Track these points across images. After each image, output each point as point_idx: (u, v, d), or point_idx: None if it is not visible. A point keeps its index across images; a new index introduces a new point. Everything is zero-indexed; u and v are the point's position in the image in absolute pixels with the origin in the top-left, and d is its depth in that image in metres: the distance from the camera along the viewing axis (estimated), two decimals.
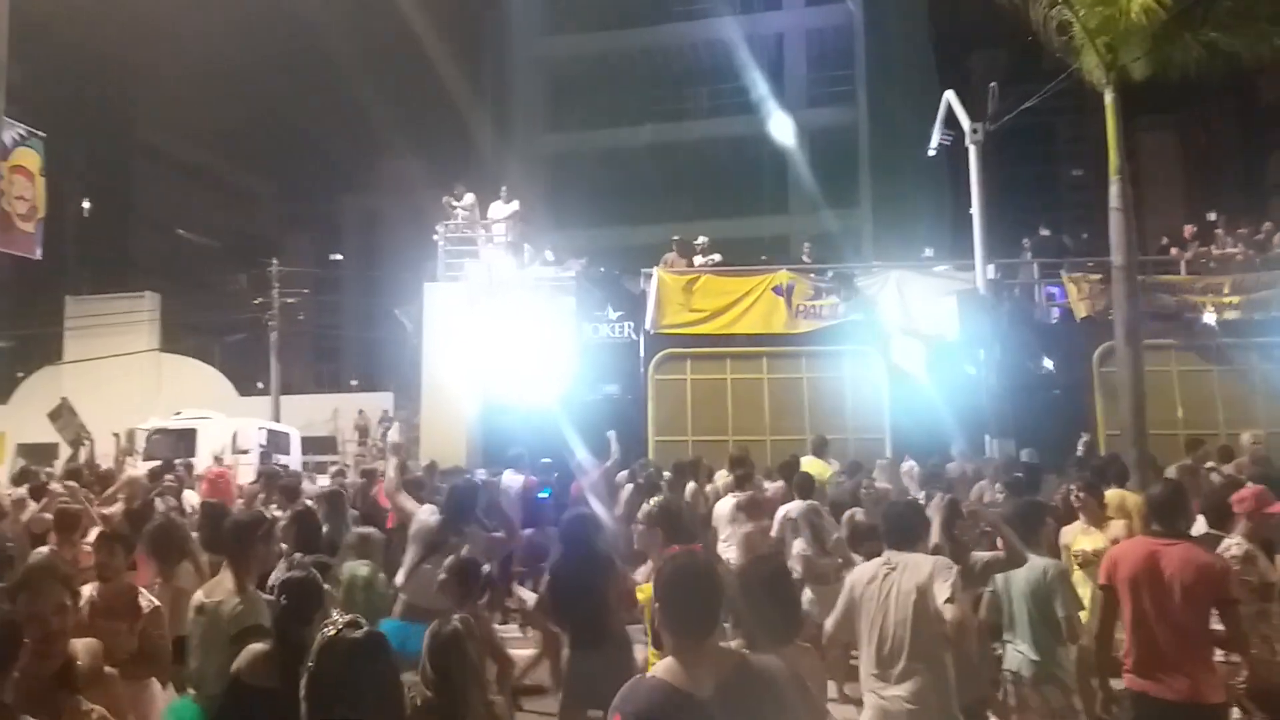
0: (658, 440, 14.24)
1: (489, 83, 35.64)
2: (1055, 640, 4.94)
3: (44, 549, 6.33)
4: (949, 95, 14.57)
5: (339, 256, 35.14)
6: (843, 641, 4.36)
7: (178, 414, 21.55)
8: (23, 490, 10.01)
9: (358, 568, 5.11)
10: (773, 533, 8.50)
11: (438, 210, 17.44)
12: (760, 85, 32.31)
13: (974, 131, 14.17)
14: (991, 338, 13.36)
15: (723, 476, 10.07)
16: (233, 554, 4.63)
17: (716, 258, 16.40)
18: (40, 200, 13.26)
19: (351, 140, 38.63)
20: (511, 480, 10.41)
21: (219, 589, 4.48)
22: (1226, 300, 14.40)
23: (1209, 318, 14.33)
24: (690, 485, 9.88)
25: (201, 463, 13.94)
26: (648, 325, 15.10)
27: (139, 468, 11.68)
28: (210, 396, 27.78)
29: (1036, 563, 4.99)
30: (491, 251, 16.48)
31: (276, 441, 21.08)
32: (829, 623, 4.45)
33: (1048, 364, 14.87)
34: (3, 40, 11.93)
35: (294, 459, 19.67)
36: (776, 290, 14.90)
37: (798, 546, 8.13)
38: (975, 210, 14.03)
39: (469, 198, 17.32)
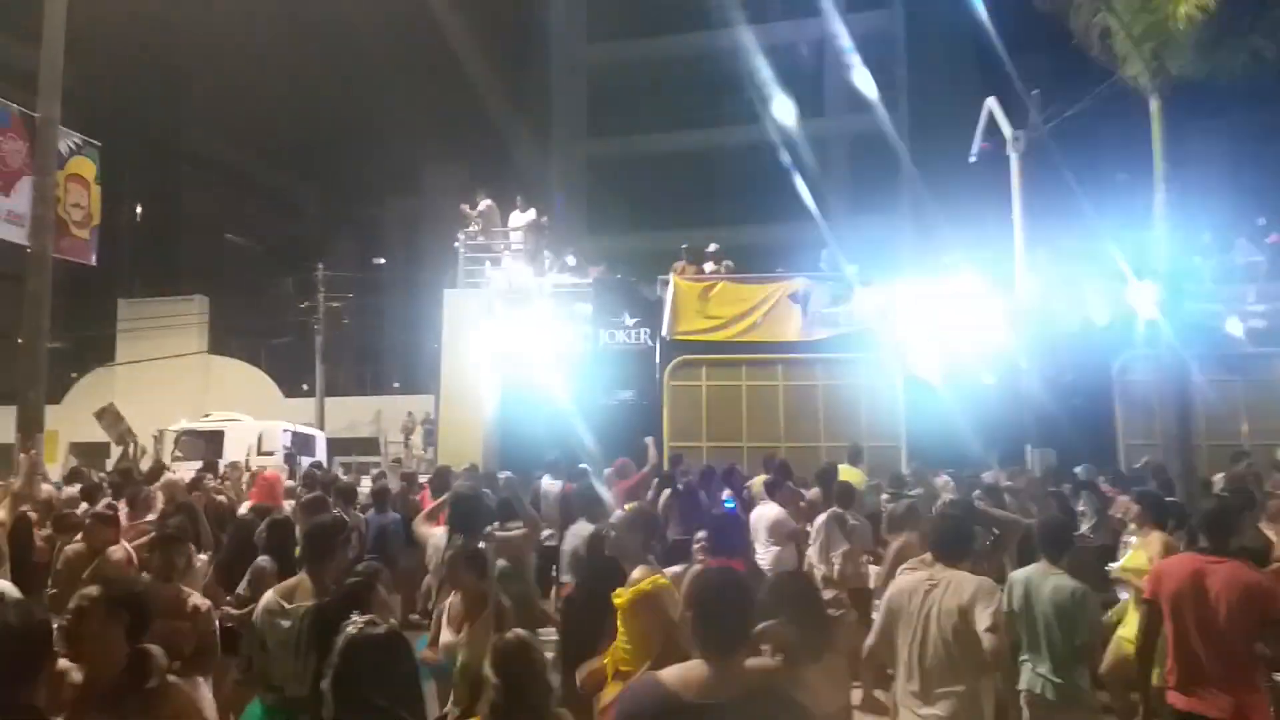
0: (672, 446, 14.28)
1: (531, 88, 35.90)
2: (1077, 662, 4.84)
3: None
4: (990, 102, 14.47)
5: (382, 260, 35.48)
6: (883, 656, 4.30)
7: (206, 416, 21.92)
8: (74, 489, 10.36)
9: None
10: (811, 539, 8.50)
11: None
12: (800, 92, 32.26)
13: (1015, 139, 14.07)
14: (1032, 346, 13.25)
15: (757, 483, 10.07)
16: (312, 558, 4.70)
17: (729, 264, 16.43)
18: (95, 207, 13.60)
19: (395, 146, 39.04)
20: (550, 485, 10.51)
21: (298, 592, 4.51)
22: (1251, 309, 14.12)
23: (1234, 327, 14.04)
24: (726, 493, 9.87)
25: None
26: (664, 332, 15.18)
27: (180, 470, 12.00)
28: (256, 398, 28.30)
29: (1064, 584, 4.88)
30: (510, 259, 16.60)
31: (302, 443, 21.38)
32: (870, 637, 4.40)
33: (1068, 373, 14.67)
34: (59, 51, 12.30)
35: (319, 460, 19.96)
36: (793, 297, 14.90)
37: (810, 554, 8.08)
38: (1016, 217, 13.92)
39: (484, 204, 17.47)
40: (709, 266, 16.45)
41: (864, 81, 32.21)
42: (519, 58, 36.43)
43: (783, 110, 32.91)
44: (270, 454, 18.90)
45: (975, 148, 14.70)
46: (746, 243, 26.18)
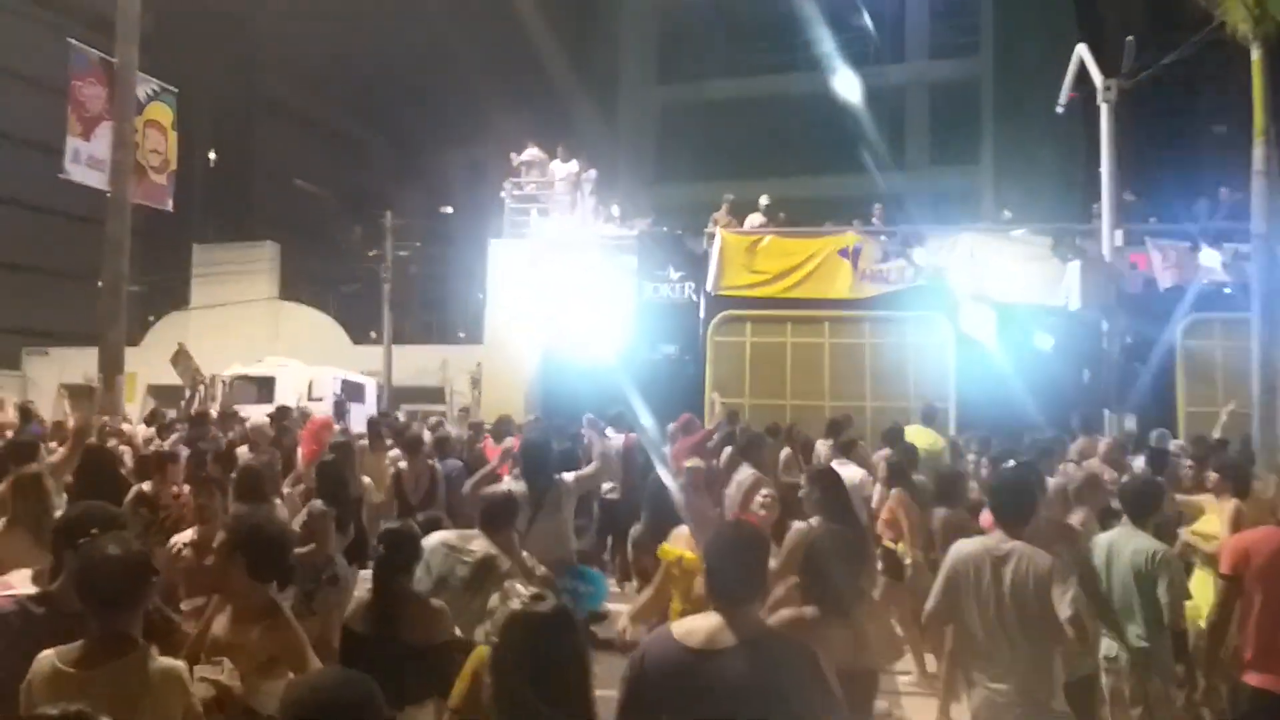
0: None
1: (600, 35, 35.46)
2: (1159, 628, 4.69)
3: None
4: (1081, 49, 13.80)
5: (449, 209, 35.63)
6: (944, 620, 4.20)
7: (259, 361, 22.30)
8: (152, 430, 10.64)
9: None
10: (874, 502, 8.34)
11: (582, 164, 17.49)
12: (879, 36, 31.33)
13: (1107, 89, 13.41)
14: (1115, 307, 12.76)
15: (823, 445, 9.87)
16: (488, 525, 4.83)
17: (781, 215, 16.08)
18: (172, 153, 13.82)
19: (463, 94, 39.01)
20: (613, 438, 10.47)
21: (474, 540, 4.70)
22: None
23: None
24: (785, 452, 9.70)
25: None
26: (709, 286, 14.92)
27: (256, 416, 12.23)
28: (325, 344, 28.81)
29: (1144, 545, 4.75)
30: (555, 209, 16.44)
31: (352, 390, 21.65)
32: (930, 602, 4.27)
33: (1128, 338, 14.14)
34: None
35: (369, 408, 20.25)
36: (843, 253, 14.51)
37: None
38: (1104, 171, 13.32)
39: (530, 152, 17.29)
40: (755, 219, 16.11)
41: (946, 26, 31.19)
42: (588, 2, 35.97)
43: (860, 56, 32.04)
44: (320, 400, 19.25)
45: (1063, 97, 14.04)
46: (821, 195, 25.71)
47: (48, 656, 2.80)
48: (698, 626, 2.71)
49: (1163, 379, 13.48)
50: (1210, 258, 13.36)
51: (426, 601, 4.00)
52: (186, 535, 5.27)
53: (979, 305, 13.84)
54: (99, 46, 13.15)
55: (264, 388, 19.99)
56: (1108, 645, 4.88)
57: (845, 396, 13.92)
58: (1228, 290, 13.25)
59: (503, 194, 17.15)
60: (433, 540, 4.73)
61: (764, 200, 16.39)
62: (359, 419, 14.96)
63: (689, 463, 6.85)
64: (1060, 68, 14.30)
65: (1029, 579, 3.89)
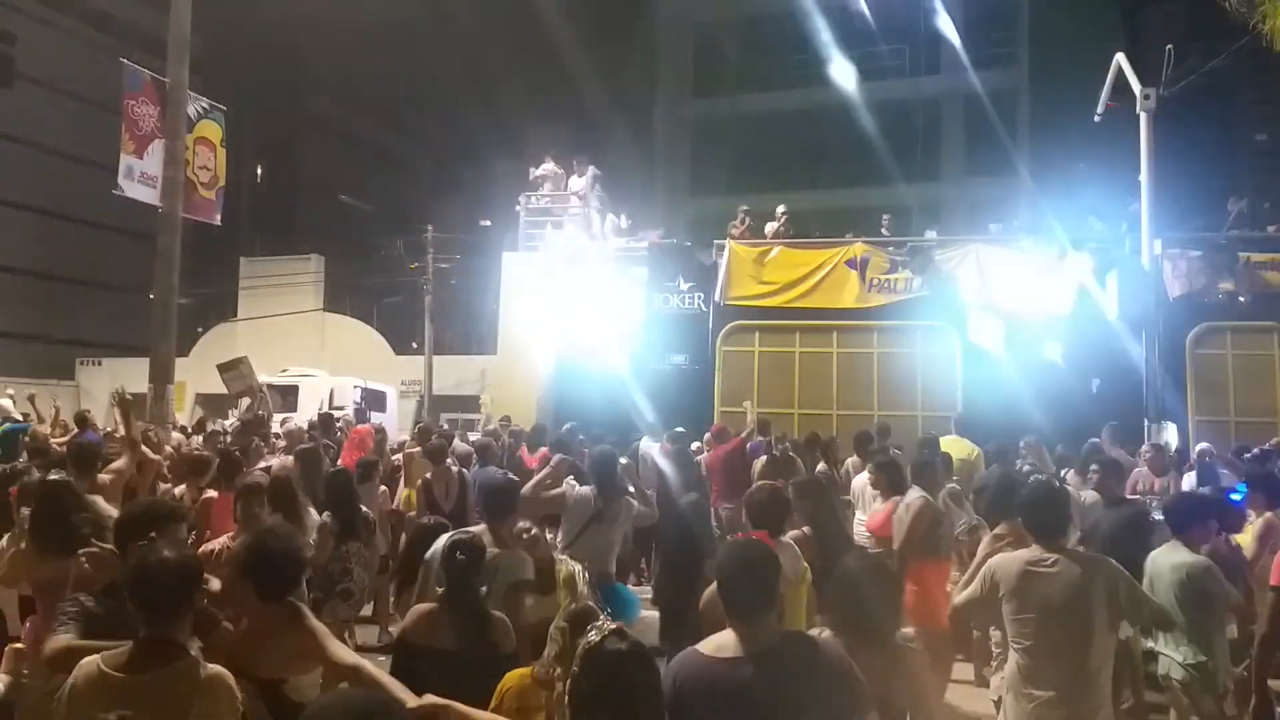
0: (723, 411, 14.21)
1: (636, 49, 35.70)
2: (1204, 642, 4.69)
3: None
4: (1120, 58, 13.74)
5: (488, 222, 36.07)
6: (969, 619, 4.20)
7: (284, 371, 22.74)
8: (182, 437, 10.96)
9: None
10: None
11: (598, 176, 17.69)
12: (914, 48, 31.26)
13: (1145, 97, 13.33)
14: (1155, 316, 12.67)
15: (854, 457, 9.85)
16: (492, 514, 4.96)
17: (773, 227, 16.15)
18: (221, 169, 14.18)
19: (502, 110, 39.48)
20: (649, 447, 10.60)
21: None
22: None
23: None
24: (820, 467, 9.70)
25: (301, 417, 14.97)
26: (717, 297, 15.04)
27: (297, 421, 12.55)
28: (368, 355, 29.28)
29: (1183, 559, 4.74)
30: (569, 222, 16.64)
31: (373, 399, 22.05)
32: (960, 597, 4.30)
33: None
34: (186, 17, 12.82)
35: (389, 417, 20.53)
36: (850, 263, 14.57)
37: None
38: (1144, 180, 13.23)
39: (546, 166, 17.51)
40: (771, 227, 16.23)
41: (982, 38, 31.01)
42: (624, 18, 36.24)
43: (896, 69, 31.98)
44: (341, 409, 19.57)
45: (1101, 106, 13.98)
46: (858, 205, 25.66)
47: (93, 661, 2.76)
48: (724, 641, 2.77)
49: (1173, 388, 13.34)
50: (1222, 260, 13.24)
51: (493, 614, 3.91)
52: (220, 541, 5.41)
53: (986, 315, 13.84)
54: (151, 67, 13.58)
55: (287, 396, 20.47)
56: (1162, 663, 4.86)
57: (853, 406, 14.01)
58: (1242, 299, 13.13)
59: (517, 208, 17.44)
60: (440, 544, 4.67)
61: (781, 210, 16.51)
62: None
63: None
64: (1096, 78, 14.24)
65: (1082, 591, 3.86)
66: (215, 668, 2.84)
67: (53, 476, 4.75)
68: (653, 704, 2.56)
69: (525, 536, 5.19)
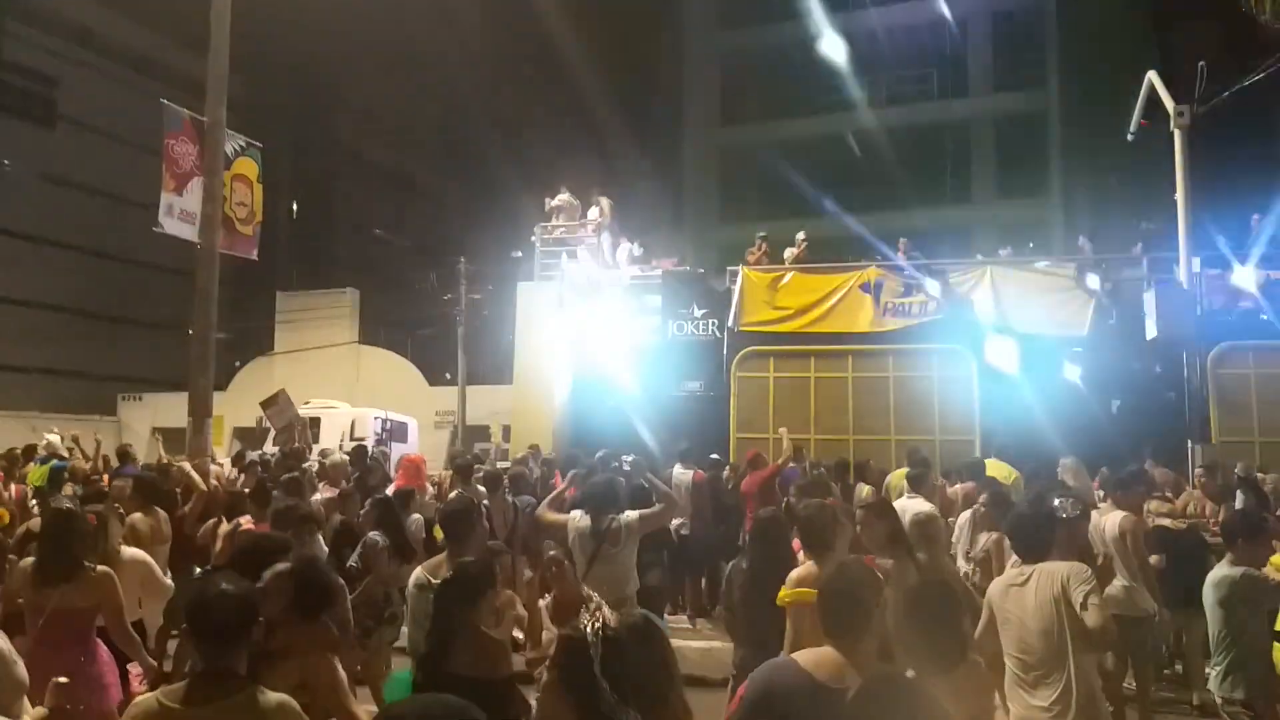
0: (740, 437, 14.16)
1: (664, 79, 36.00)
2: (1242, 658, 4.66)
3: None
4: (1152, 76, 13.65)
5: (519, 254, 36.37)
6: (988, 651, 4.26)
7: (306, 403, 22.95)
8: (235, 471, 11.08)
9: None
10: (954, 537, 8.28)
11: (614, 206, 17.82)
12: (942, 71, 31.25)
13: (1179, 115, 13.21)
14: (1196, 336, 12.48)
15: (897, 476, 9.81)
16: (452, 536, 5.00)
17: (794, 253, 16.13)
18: (258, 205, 14.41)
19: (532, 142, 39.94)
20: (682, 474, 10.58)
21: (442, 569, 4.79)
22: None
23: None
24: (865, 488, 9.66)
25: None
26: (731, 323, 15.00)
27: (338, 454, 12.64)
28: (402, 386, 29.50)
29: (1225, 574, 4.76)
30: (584, 252, 16.73)
31: (396, 430, 22.15)
32: (976, 633, 4.39)
33: (1158, 367, 13.78)
34: (224, 58, 13.10)
35: (411, 448, 20.63)
36: (864, 288, 14.52)
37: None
38: (1179, 198, 13.09)
39: (562, 197, 17.64)
40: (790, 253, 16.23)
41: (1011, 60, 30.97)
42: (652, 49, 36.58)
43: (925, 92, 31.99)
44: (362, 439, 19.72)
45: (1134, 124, 13.88)
46: (888, 229, 25.58)
47: (151, 696, 2.79)
48: (824, 660, 2.74)
49: (1195, 408, 13.12)
50: (1245, 277, 13.03)
51: (487, 634, 3.98)
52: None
53: (1002, 337, 13.71)
54: (189, 107, 13.88)
55: (310, 428, 20.67)
56: (1211, 680, 4.96)
57: (870, 430, 13.93)
58: (1264, 316, 12.93)
59: (533, 238, 17.57)
60: (409, 584, 4.85)
61: (801, 236, 16.52)
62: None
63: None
64: (1128, 97, 14.16)
65: (1049, 592, 4.04)
66: (279, 696, 2.85)
67: (62, 506, 4.82)
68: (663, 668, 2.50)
69: (555, 569, 5.21)
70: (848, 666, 2.70)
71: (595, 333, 15.35)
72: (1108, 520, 6.78)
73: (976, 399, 13.86)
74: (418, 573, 4.88)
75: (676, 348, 15.40)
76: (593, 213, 17.28)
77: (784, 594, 4.49)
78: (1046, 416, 11.95)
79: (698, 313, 15.44)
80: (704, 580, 10.48)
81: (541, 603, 5.50)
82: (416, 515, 8.86)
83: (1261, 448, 11.91)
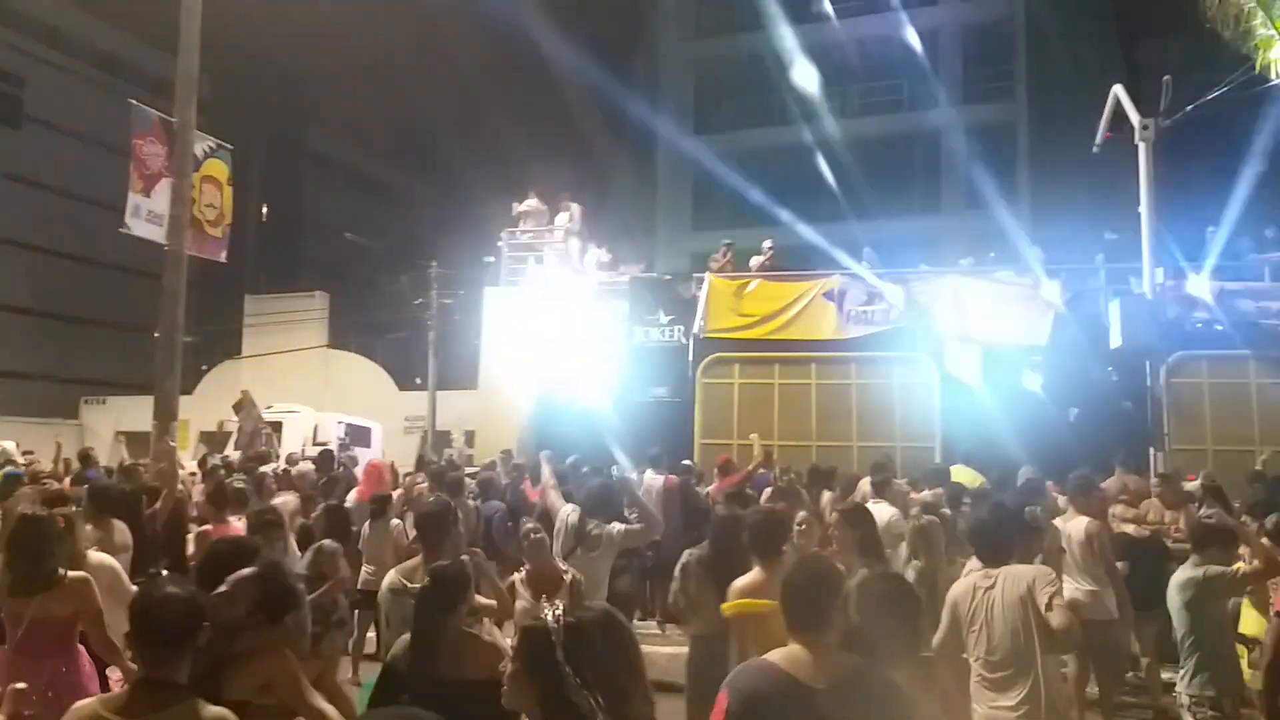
0: (704, 443, 14.25)
1: (637, 86, 36.05)
2: (1211, 657, 4.74)
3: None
4: (1117, 89, 13.86)
5: (490, 259, 36.27)
6: (951, 654, 4.32)
7: (269, 408, 22.76)
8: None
9: None
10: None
11: (583, 211, 17.81)
12: (913, 82, 31.56)
13: (1144, 128, 13.42)
14: (1159, 346, 12.67)
15: (864, 484, 9.88)
16: (427, 540, 4.99)
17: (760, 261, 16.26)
18: (227, 208, 14.27)
19: (504, 146, 39.87)
20: (652, 479, 10.59)
21: (417, 573, 4.77)
22: None
23: None
24: (826, 494, 9.73)
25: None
26: (696, 329, 15.09)
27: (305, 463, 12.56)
28: (372, 391, 29.32)
29: (1189, 575, 4.84)
30: (551, 257, 16.73)
31: (358, 435, 22.04)
32: (935, 639, 4.44)
33: (1113, 375, 14.05)
34: (194, 59, 12.97)
35: (374, 452, 20.56)
36: (828, 295, 14.66)
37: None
38: (1144, 210, 13.30)
39: (529, 203, 17.64)
40: (756, 260, 16.33)
41: (980, 71, 31.34)
42: (626, 56, 36.66)
43: (895, 103, 32.28)
44: (324, 444, 19.58)
45: (1100, 137, 14.08)
46: (860, 239, 25.76)
47: (91, 702, 2.74)
48: (799, 659, 2.74)
49: (1150, 417, 13.35)
50: (1199, 286, 13.27)
51: (477, 637, 3.98)
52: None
53: (963, 345, 13.90)
54: (158, 108, 13.72)
55: (272, 432, 20.50)
56: (1178, 680, 5.03)
57: (832, 437, 14.03)
58: (1219, 327, 13.18)
59: (499, 243, 17.54)
60: (382, 588, 4.87)
61: (767, 244, 16.63)
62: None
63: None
64: (1094, 109, 14.36)
65: (1014, 594, 4.10)
66: (218, 710, 2.79)
67: (29, 512, 4.73)
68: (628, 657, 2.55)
69: (533, 537, 5.24)
70: (820, 664, 2.71)
71: (561, 338, 15.34)
72: (1071, 525, 6.88)
73: (937, 406, 14.03)
74: (391, 576, 4.88)
75: (642, 354, 15.43)
76: (561, 218, 17.27)
77: (728, 606, 4.52)
78: (1006, 424, 12.12)
79: (664, 319, 15.48)
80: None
81: (516, 576, 5.50)
82: (396, 520, 8.83)
83: (1214, 456, 12.11)
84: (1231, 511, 7.89)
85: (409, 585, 4.63)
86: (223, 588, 3.49)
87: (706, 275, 15.60)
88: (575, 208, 17.24)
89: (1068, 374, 13.63)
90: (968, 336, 14.00)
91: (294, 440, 19.50)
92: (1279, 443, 12.09)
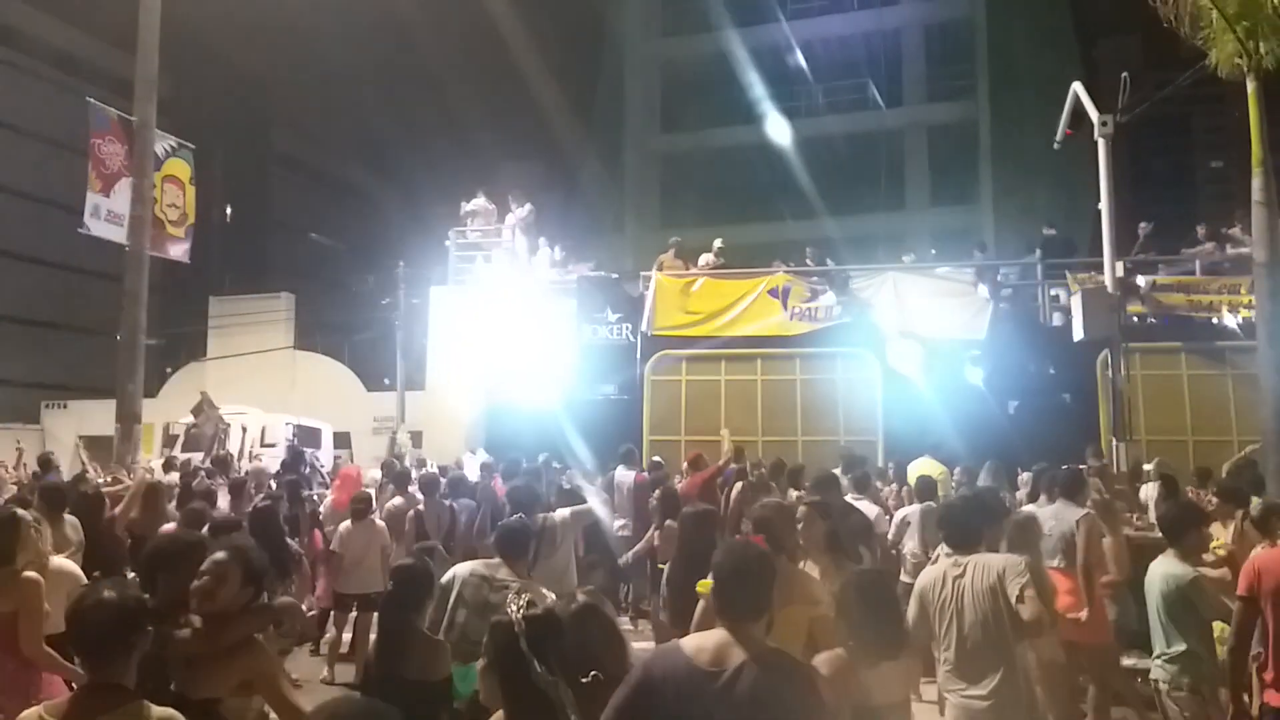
0: (652, 440, 14.34)
1: (605, 86, 36.11)
2: (1188, 648, 4.80)
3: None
4: (1076, 86, 14.06)
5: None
6: (922, 643, 4.35)
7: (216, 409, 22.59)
8: (174, 476, 10.84)
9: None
10: (889, 535, 8.46)
11: (549, 211, 17.76)
12: (876, 81, 31.83)
13: (1103, 124, 13.62)
14: (1118, 339, 12.86)
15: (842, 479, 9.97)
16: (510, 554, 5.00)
17: (709, 259, 16.38)
18: (190, 207, 14.12)
19: (472, 146, 39.76)
20: (624, 476, 10.61)
21: (501, 568, 4.88)
22: (1244, 300, 13.53)
23: (1230, 319, 13.45)
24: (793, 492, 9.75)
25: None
26: (644, 327, 15.16)
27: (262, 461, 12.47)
28: (339, 392, 29.08)
29: (1172, 571, 4.87)
30: (501, 256, 16.72)
31: (307, 436, 21.92)
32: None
33: (1051, 369, 14.35)
34: (153, 58, 12.82)
35: (325, 454, 20.43)
36: (772, 293, 14.75)
37: (909, 547, 8.14)
38: (1104, 205, 13.50)
39: (477, 201, 17.59)
40: (706, 259, 16.42)
41: (942, 71, 31.68)
42: (594, 56, 36.69)
43: (859, 102, 32.54)
44: (272, 445, 19.37)
45: (1060, 134, 14.28)
46: (824, 236, 25.96)
47: (34, 711, 2.67)
48: (707, 644, 2.76)
49: (1087, 409, 13.57)
50: (1132, 283, 13.57)
51: (427, 637, 4.02)
52: None
53: (904, 341, 14.11)
54: (117, 107, 13.54)
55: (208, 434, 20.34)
56: (1153, 669, 5.05)
57: (777, 431, 14.12)
58: (1151, 320, 13.46)
59: (447, 242, 17.48)
60: (463, 571, 4.87)
61: (718, 243, 16.75)
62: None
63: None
64: (1055, 107, 14.54)
65: (985, 583, 4.10)
66: (165, 711, 2.73)
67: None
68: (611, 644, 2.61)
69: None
70: (735, 647, 2.72)
71: (510, 337, 15.32)
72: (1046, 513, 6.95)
73: (879, 400, 14.21)
74: (474, 567, 4.93)
75: (591, 352, 15.44)
76: (510, 218, 17.20)
77: (704, 583, 4.53)
78: (946, 417, 12.34)
79: (612, 317, 15.51)
80: (648, 583, 10.51)
81: None
82: (381, 522, 8.80)
83: (1149, 446, 12.36)
84: (1178, 494, 8.06)
85: (495, 579, 4.76)
86: (203, 574, 3.44)
87: (654, 273, 15.67)
88: (526, 206, 17.17)
89: (1007, 367, 13.85)
90: (908, 331, 14.20)
91: (243, 442, 19.25)
92: (1215, 433, 12.47)
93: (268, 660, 3.44)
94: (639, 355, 15.18)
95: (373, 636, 4.22)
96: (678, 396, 14.88)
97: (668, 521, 7.40)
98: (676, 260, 16.43)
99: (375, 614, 7.34)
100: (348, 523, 8.52)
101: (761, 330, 14.66)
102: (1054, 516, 6.47)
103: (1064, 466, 7.58)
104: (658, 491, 8.72)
